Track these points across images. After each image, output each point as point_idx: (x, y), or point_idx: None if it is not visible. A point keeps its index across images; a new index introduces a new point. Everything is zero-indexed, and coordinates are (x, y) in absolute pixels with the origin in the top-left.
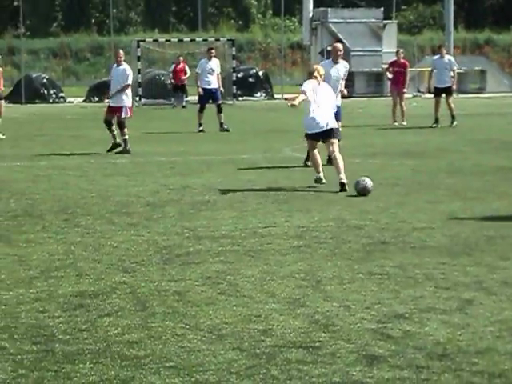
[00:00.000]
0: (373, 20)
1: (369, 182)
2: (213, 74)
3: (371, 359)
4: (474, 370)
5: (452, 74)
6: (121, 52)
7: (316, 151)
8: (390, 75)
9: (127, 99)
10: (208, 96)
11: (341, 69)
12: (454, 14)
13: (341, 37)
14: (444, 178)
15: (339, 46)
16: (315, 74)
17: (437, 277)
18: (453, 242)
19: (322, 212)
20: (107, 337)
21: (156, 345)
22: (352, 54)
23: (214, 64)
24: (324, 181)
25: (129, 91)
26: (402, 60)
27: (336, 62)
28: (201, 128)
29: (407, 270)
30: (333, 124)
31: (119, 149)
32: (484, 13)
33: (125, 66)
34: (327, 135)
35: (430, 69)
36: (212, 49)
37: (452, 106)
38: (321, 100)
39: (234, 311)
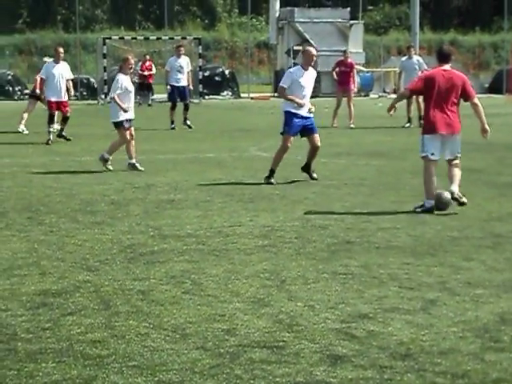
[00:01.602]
0: (339, 20)
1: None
2: (182, 71)
3: (335, 359)
4: (437, 370)
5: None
6: (61, 49)
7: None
8: (335, 76)
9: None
10: (177, 93)
11: (311, 77)
12: (420, 14)
13: (307, 37)
14: (409, 178)
15: (313, 51)
16: None
17: (401, 277)
18: (417, 242)
19: (288, 212)
20: (70, 336)
21: (119, 344)
22: (318, 53)
23: (184, 62)
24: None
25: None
26: (348, 60)
27: (306, 69)
28: (173, 126)
29: (372, 270)
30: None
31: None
32: (449, 14)
33: (64, 62)
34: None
35: (395, 69)
36: (181, 46)
37: (422, 106)
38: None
39: (198, 310)
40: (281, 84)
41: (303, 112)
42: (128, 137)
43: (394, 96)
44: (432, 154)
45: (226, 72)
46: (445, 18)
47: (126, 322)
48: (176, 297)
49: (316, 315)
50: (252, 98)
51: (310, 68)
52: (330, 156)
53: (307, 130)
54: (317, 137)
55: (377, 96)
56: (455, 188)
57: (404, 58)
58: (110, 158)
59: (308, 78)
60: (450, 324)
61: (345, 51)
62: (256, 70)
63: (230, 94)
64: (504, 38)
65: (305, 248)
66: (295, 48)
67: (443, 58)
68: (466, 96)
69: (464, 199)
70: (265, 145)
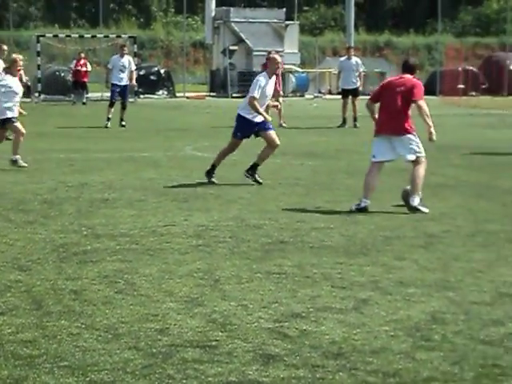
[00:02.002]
0: (275, 20)
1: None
2: (124, 70)
3: (267, 358)
4: (369, 369)
5: (358, 75)
6: (4, 46)
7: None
8: None
9: None
10: (118, 92)
11: (272, 85)
12: (355, 16)
13: (243, 36)
14: (343, 178)
15: (279, 58)
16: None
17: (334, 276)
18: (350, 241)
19: (222, 211)
20: (1, 336)
21: (50, 344)
22: (254, 53)
23: (126, 61)
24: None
25: None
26: None
27: (270, 77)
28: (107, 123)
29: (305, 270)
30: None
31: None
32: (384, 15)
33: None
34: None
35: (330, 70)
36: (124, 46)
37: (357, 107)
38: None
39: (130, 310)
40: (252, 94)
41: (258, 119)
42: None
43: (329, 96)
44: (373, 157)
45: (162, 71)
46: (379, 19)
47: (58, 321)
48: (109, 296)
49: (249, 314)
50: (188, 98)
51: (273, 76)
52: None
53: (261, 129)
54: (273, 134)
55: (312, 96)
56: (415, 200)
57: (343, 59)
58: (18, 156)
59: (271, 85)
60: (382, 323)
61: (269, 53)
62: (192, 69)
63: (166, 93)
64: (438, 40)
65: (239, 247)
66: (231, 48)
67: (408, 69)
68: (413, 98)
69: (424, 209)
70: (200, 144)
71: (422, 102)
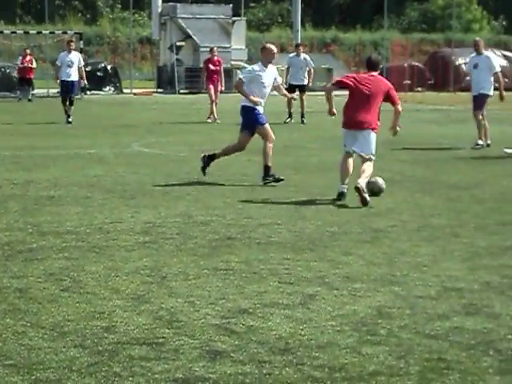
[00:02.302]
0: (222, 16)
1: (381, 181)
2: (72, 66)
3: (214, 354)
4: (315, 364)
5: (308, 72)
6: None
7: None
8: (205, 74)
9: None
10: (67, 88)
11: (272, 75)
12: (302, 12)
13: (190, 32)
14: (291, 174)
15: (274, 47)
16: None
17: (281, 272)
18: (297, 237)
19: (169, 208)
20: None
21: None
22: (201, 49)
23: (75, 57)
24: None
25: None
26: (215, 58)
27: (266, 67)
28: (69, 119)
29: (252, 266)
30: None
31: None
32: (331, 12)
33: None
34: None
35: (277, 66)
36: (71, 41)
37: (304, 103)
38: None
39: (76, 308)
40: (239, 76)
41: (260, 110)
42: None
43: (274, 93)
44: (344, 146)
45: (109, 67)
46: (326, 15)
47: (3, 320)
48: (54, 294)
49: (196, 311)
50: (135, 94)
51: (270, 65)
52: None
53: (258, 124)
54: (268, 127)
55: None
56: (361, 181)
57: (292, 55)
58: None
59: (268, 75)
60: (329, 318)
61: (212, 49)
62: (139, 65)
63: (113, 89)
64: (384, 36)
65: (186, 244)
66: (178, 44)
67: (372, 66)
68: (391, 101)
69: (367, 196)
70: (147, 141)
71: (400, 106)
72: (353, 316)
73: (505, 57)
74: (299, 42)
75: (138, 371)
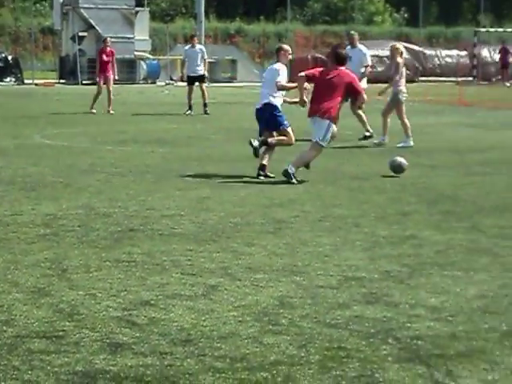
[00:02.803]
0: (125, 6)
1: (403, 161)
2: None
3: (115, 347)
4: (217, 354)
5: (203, 62)
6: None
7: None
8: (98, 65)
9: None
10: None
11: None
12: (206, 3)
13: (93, 23)
14: (194, 165)
15: (289, 48)
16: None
17: (183, 263)
18: (200, 228)
19: (71, 200)
20: None
21: None
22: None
23: None
24: None
25: None
26: (108, 48)
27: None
28: None
29: (155, 257)
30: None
31: None
32: (235, 3)
33: None
34: None
35: (182, 57)
36: None
37: (206, 93)
38: None
39: None
40: (276, 79)
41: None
42: None
43: (180, 84)
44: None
45: (9, 58)
46: (230, 6)
47: None
48: None
49: (97, 303)
50: (36, 85)
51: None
52: (116, 143)
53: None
54: (290, 131)
55: (163, 83)
56: (291, 164)
57: (187, 47)
58: None
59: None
60: (231, 308)
61: (104, 40)
62: (40, 55)
63: (14, 80)
64: (287, 28)
65: (88, 236)
66: (80, 34)
67: (339, 61)
68: (354, 92)
69: (270, 174)
70: (49, 132)
71: (364, 95)
72: (255, 306)
73: (407, 49)
74: (202, 33)
75: (38, 365)
